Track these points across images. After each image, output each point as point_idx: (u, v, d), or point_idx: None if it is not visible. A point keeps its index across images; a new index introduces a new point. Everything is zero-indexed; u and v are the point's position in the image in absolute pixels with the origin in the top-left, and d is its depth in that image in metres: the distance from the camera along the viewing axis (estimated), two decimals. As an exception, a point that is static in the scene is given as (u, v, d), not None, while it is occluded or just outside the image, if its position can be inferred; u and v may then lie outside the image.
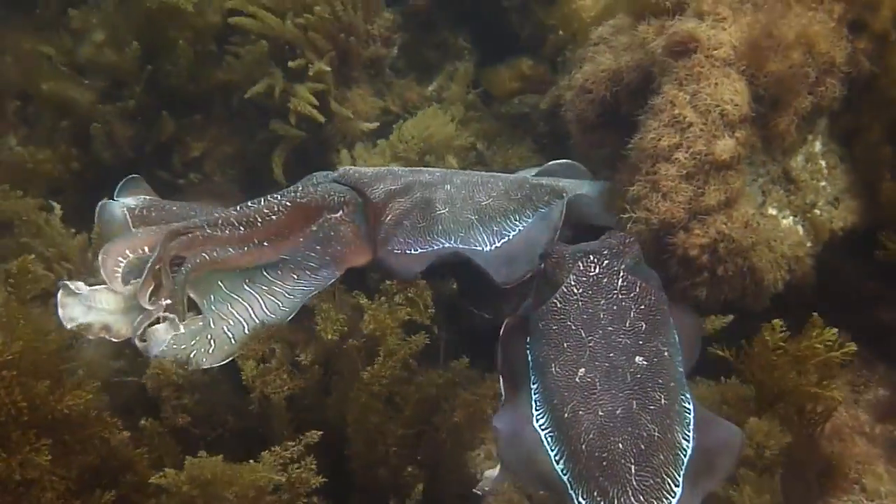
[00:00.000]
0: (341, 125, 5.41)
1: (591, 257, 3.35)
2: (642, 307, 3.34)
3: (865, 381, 4.31)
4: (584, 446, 2.99)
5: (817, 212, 4.20)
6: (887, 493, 3.91)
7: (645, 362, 3.19)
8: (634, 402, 3.09)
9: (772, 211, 4.12)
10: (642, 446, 3.02)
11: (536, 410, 3.15)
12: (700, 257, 3.90)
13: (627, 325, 3.25)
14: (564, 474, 3.01)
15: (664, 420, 3.11)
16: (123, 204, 4.46)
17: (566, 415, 3.04)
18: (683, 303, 3.94)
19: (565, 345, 3.16)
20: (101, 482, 3.47)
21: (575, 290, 3.26)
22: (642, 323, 3.28)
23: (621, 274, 3.35)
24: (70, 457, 3.42)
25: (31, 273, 3.61)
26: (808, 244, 4.18)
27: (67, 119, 5.56)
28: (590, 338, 3.18)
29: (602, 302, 3.24)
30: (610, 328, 3.20)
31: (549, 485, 3.06)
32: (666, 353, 3.28)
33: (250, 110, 5.53)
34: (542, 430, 3.11)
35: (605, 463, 2.96)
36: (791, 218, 4.16)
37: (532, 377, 3.22)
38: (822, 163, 4.25)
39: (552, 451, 3.06)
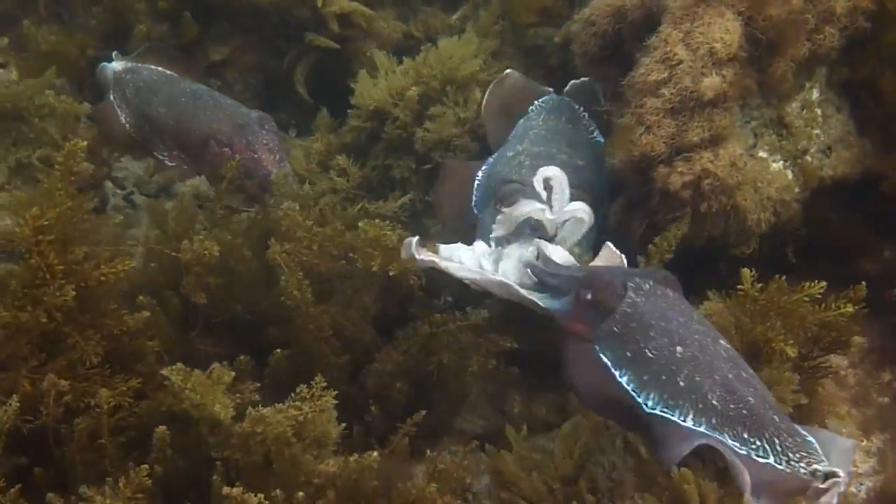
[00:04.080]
0: (364, 43, 5.48)
1: (638, 279, 3.36)
2: (697, 315, 3.42)
3: (843, 328, 4.38)
4: (714, 401, 3.08)
5: (808, 158, 4.27)
6: (848, 434, 4.00)
7: (728, 346, 3.30)
8: (741, 371, 3.20)
9: (762, 154, 4.19)
10: (769, 401, 3.17)
11: (640, 396, 3.18)
12: (683, 192, 3.97)
13: (695, 319, 3.33)
14: (702, 426, 3.08)
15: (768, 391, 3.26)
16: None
17: (682, 382, 3.11)
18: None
19: (651, 333, 3.20)
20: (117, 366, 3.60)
21: (637, 299, 3.28)
22: (705, 325, 3.36)
23: (670, 292, 3.39)
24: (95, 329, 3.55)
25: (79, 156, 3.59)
26: (796, 189, 4.25)
27: (99, 8, 5.71)
28: (671, 324, 3.22)
29: (664, 304, 3.29)
30: (682, 318, 3.26)
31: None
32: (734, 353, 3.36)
33: (276, 22, 5.62)
34: (657, 406, 3.14)
35: (745, 411, 3.06)
36: (781, 162, 4.23)
37: (620, 372, 3.22)
38: (818, 111, 4.30)
39: (676, 415, 3.12)
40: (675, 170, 3.96)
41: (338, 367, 3.98)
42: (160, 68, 5.05)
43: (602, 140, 4.52)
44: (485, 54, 5.26)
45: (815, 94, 4.30)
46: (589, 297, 3.33)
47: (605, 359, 3.25)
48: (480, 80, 5.12)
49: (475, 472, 4.04)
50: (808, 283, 3.83)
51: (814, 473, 3.03)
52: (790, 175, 4.24)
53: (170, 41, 5.62)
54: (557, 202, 3.94)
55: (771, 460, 3.03)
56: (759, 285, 3.81)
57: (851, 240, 4.33)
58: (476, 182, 4.41)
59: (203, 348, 3.98)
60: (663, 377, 3.13)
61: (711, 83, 3.88)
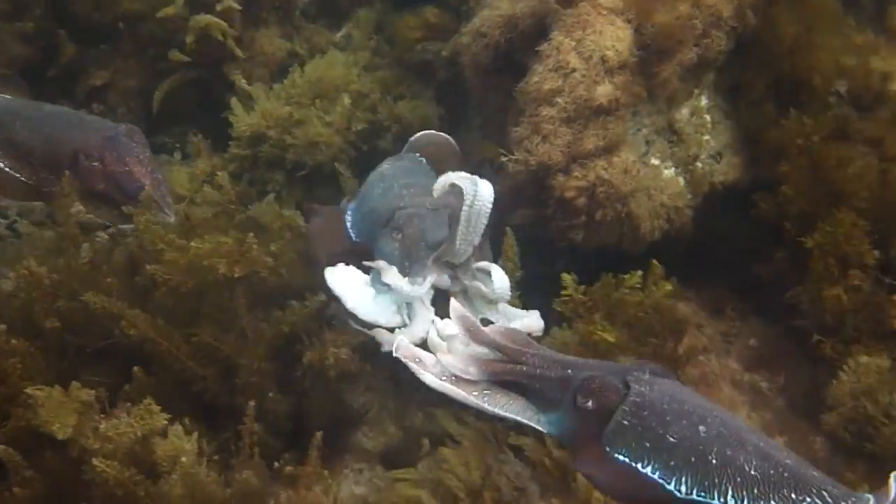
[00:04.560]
0: (243, 64, 5.41)
1: (634, 372, 3.17)
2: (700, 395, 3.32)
3: (738, 331, 4.44)
4: (752, 471, 2.93)
5: (699, 165, 4.31)
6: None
7: (741, 418, 3.29)
8: (768, 439, 3.11)
9: (654, 161, 4.22)
10: (805, 462, 3.03)
11: (671, 483, 2.96)
12: (577, 200, 3.98)
13: (702, 398, 3.20)
14: (744, 500, 2.92)
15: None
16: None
17: (714, 460, 2.95)
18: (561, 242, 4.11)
19: (667, 418, 3.02)
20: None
21: (642, 389, 3.09)
22: (714, 403, 3.24)
23: (667, 380, 3.22)
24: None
25: None
26: (688, 196, 4.29)
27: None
28: (685, 406, 3.06)
29: (669, 388, 3.12)
30: (693, 399, 3.12)
31: None
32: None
33: (156, 44, 5.50)
34: (692, 491, 2.95)
35: (786, 473, 2.92)
36: (673, 169, 4.27)
37: (642, 464, 2.99)
38: (707, 117, 4.36)
39: (714, 496, 2.94)
40: (571, 178, 3.95)
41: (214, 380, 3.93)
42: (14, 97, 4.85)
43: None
44: (357, 67, 5.31)
45: (704, 101, 4.35)
46: (590, 405, 3.08)
47: (621, 457, 3.01)
48: (350, 90, 5.17)
49: (378, 491, 4.01)
50: (629, 275, 3.90)
51: None
52: (682, 182, 4.27)
53: (43, 64, 5.48)
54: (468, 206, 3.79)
55: None
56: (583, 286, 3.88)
57: (744, 244, 4.37)
58: (348, 222, 4.27)
59: (86, 378, 3.81)
60: (692, 459, 2.96)
61: (605, 91, 3.90)
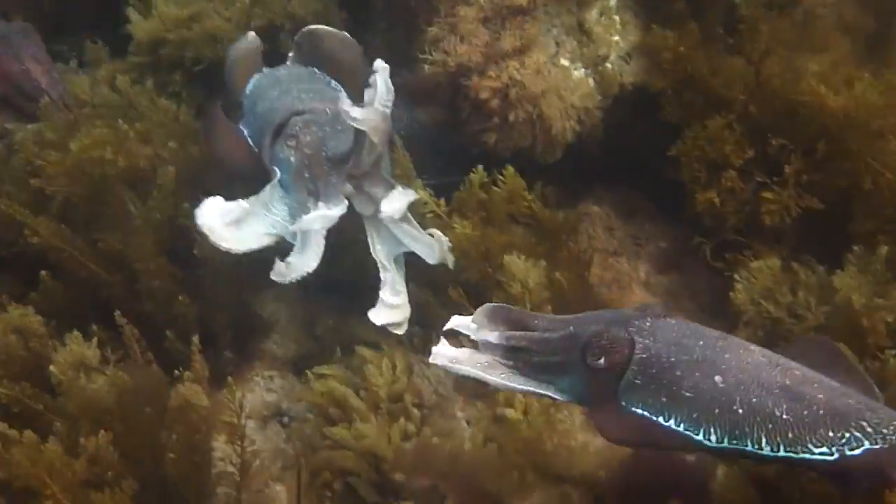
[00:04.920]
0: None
1: (635, 322, 3.02)
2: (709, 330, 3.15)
3: (648, 234, 4.45)
4: (784, 416, 2.81)
5: (608, 65, 4.26)
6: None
7: (760, 349, 3.02)
8: (791, 369, 2.93)
9: (564, 61, 4.17)
10: (836, 387, 2.90)
11: (699, 434, 2.85)
12: (491, 101, 3.93)
13: (713, 335, 3.02)
14: (781, 448, 2.81)
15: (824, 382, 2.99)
16: None
17: (741, 409, 2.84)
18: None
19: (677, 372, 2.89)
20: None
21: (646, 342, 2.95)
22: (725, 338, 3.04)
23: (670, 320, 3.06)
24: None
25: None
26: (598, 97, 4.25)
27: None
28: (694, 355, 2.92)
29: (674, 336, 2.98)
30: (701, 343, 2.96)
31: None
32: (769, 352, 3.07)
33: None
34: (723, 440, 2.84)
35: (821, 411, 2.80)
36: (582, 70, 4.22)
37: (663, 417, 2.88)
38: (616, 17, 4.29)
39: (748, 445, 2.83)
40: (486, 78, 3.89)
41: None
42: None
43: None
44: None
45: (613, 1, 4.29)
46: (602, 362, 2.95)
47: (639, 411, 2.91)
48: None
49: (290, 397, 3.99)
50: (475, 171, 3.94)
51: None
52: (591, 83, 4.24)
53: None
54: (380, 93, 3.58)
55: (867, 445, 2.77)
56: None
57: (654, 147, 4.36)
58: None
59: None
60: (716, 410, 2.85)
61: (523, -11, 3.82)
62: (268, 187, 3.67)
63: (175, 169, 3.97)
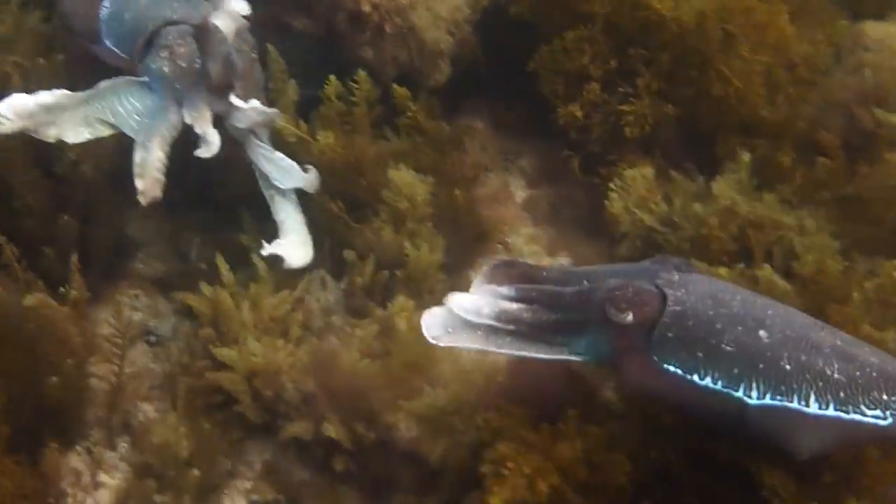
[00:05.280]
0: None
1: (661, 274, 2.88)
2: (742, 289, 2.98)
3: (521, 149, 4.45)
4: (836, 374, 2.67)
5: (474, -22, 4.21)
6: (529, 252, 4.11)
7: (798, 311, 2.91)
8: (836, 331, 2.82)
9: (428, -27, 4.12)
10: (882, 352, 2.80)
11: (739, 391, 2.69)
12: (366, 12, 3.89)
13: (747, 293, 2.90)
14: (830, 405, 2.67)
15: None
16: None
17: (788, 365, 2.68)
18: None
19: (718, 325, 2.73)
20: None
21: (679, 295, 2.79)
22: (762, 297, 2.93)
23: (698, 275, 2.97)
24: None
25: None
26: (467, 10, 4.21)
27: None
28: (733, 309, 2.77)
29: (707, 289, 2.83)
30: (738, 297, 2.82)
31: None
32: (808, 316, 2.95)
33: None
34: (766, 395, 2.68)
35: (874, 373, 2.69)
36: (448, -18, 4.17)
37: (698, 375, 2.71)
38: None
39: (794, 400, 2.68)
40: (362, -9, 3.84)
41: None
42: None
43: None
44: None
45: None
46: (629, 318, 2.77)
47: (672, 369, 2.74)
48: None
49: (157, 316, 3.92)
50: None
51: None
52: (459, -6, 4.19)
53: None
54: None
55: None
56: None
57: (521, 62, 4.31)
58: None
59: None
60: (761, 366, 2.69)
61: None
62: (113, 82, 3.61)
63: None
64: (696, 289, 2.81)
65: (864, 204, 3.67)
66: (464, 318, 2.85)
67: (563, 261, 4.09)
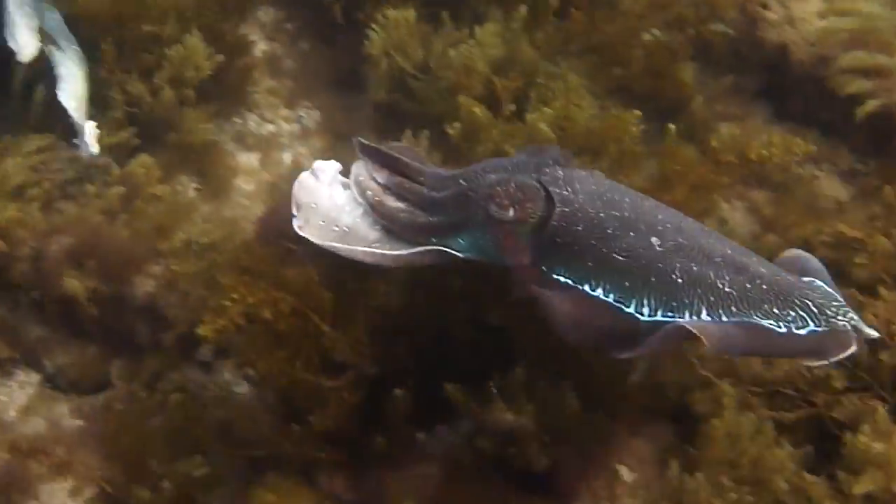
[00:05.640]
0: None
1: (545, 169, 2.64)
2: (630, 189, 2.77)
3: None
4: (727, 288, 2.50)
5: None
6: (267, 104, 4.09)
7: (696, 222, 2.71)
8: (726, 239, 2.66)
9: None
10: (773, 266, 2.64)
11: (630, 306, 2.50)
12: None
13: (636, 194, 2.68)
14: (733, 316, 2.49)
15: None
16: None
17: (680, 278, 2.49)
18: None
19: (609, 230, 2.52)
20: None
21: (565, 194, 2.57)
22: (649, 199, 2.71)
23: (583, 171, 2.71)
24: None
25: None
26: None
27: None
28: (624, 212, 2.56)
29: (595, 188, 2.60)
30: (628, 200, 2.61)
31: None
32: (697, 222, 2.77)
33: None
34: (657, 312, 2.49)
35: (765, 286, 2.52)
36: None
37: (589, 286, 2.51)
38: None
39: (684, 316, 2.48)
40: None
41: None
42: None
43: None
44: None
45: None
46: (510, 214, 2.55)
47: (562, 279, 2.54)
48: None
49: None
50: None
51: (851, 323, 2.53)
52: None
53: None
54: None
55: (812, 326, 2.50)
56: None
57: None
58: None
59: None
60: (652, 279, 2.50)
61: None
62: None
63: None
64: (583, 188, 2.60)
65: (611, 48, 3.70)
66: (327, 213, 2.73)
67: (304, 112, 4.06)
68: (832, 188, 3.59)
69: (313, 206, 2.76)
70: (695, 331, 2.35)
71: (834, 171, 3.63)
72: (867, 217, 3.34)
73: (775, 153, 3.32)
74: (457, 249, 2.65)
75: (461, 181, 2.67)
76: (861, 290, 3.03)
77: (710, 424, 2.86)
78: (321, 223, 2.74)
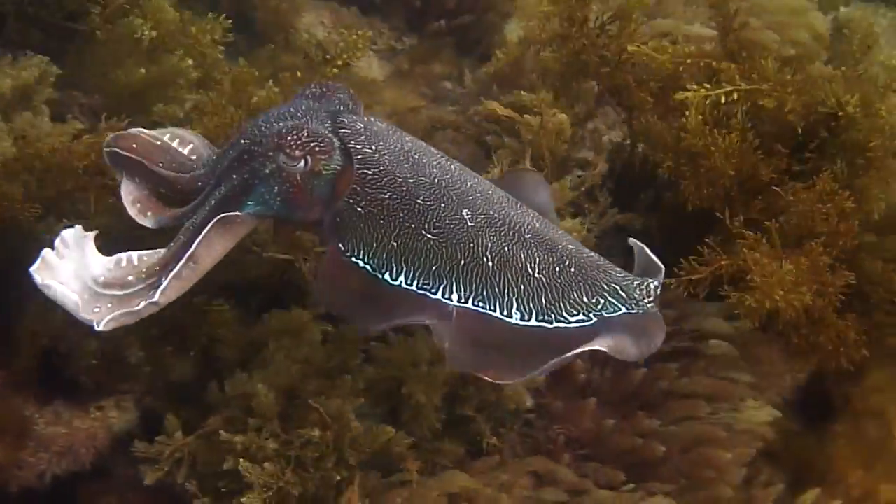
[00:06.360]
0: None
1: (341, 119, 2.34)
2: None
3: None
4: (538, 274, 2.21)
5: None
6: None
7: (478, 175, 2.45)
8: (535, 218, 2.36)
9: None
10: (573, 239, 2.43)
11: (434, 291, 2.18)
12: None
13: (433, 150, 2.40)
14: (532, 315, 2.21)
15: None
16: None
17: (491, 261, 2.20)
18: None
19: (420, 201, 2.20)
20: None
21: (367, 151, 2.25)
22: (447, 157, 2.42)
23: (378, 121, 2.42)
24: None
25: None
26: None
27: None
28: (436, 178, 2.25)
29: (399, 143, 2.31)
30: (434, 161, 2.31)
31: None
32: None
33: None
34: (466, 300, 2.18)
35: (573, 269, 2.28)
36: None
37: (389, 275, 2.18)
38: None
39: (495, 310, 2.19)
40: None
41: None
42: None
43: None
44: None
45: None
46: (301, 165, 2.22)
47: (361, 263, 2.20)
48: None
49: None
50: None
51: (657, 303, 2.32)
52: None
53: None
54: None
55: (623, 310, 2.26)
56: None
57: None
58: None
59: None
60: (462, 261, 2.19)
61: None
62: None
63: None
64: (388, 146, 2.27)
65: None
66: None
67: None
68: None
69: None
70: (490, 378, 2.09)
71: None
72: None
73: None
74: (245, 206, 2.29)
75: (242, 140, 2.33)
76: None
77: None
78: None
